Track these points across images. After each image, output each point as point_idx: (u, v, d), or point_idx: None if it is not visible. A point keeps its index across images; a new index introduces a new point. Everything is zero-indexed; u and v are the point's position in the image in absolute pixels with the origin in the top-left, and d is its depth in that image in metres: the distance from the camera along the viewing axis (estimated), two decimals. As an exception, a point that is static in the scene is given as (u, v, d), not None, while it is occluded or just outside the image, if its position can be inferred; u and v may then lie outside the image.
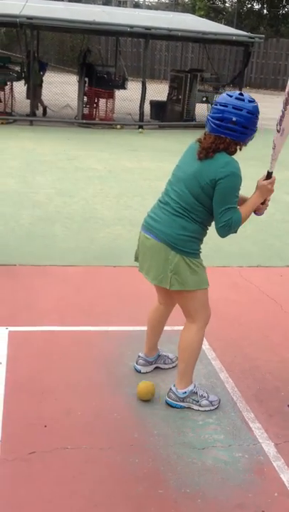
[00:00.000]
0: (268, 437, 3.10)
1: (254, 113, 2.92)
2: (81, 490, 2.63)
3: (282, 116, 2.92)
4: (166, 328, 3.68)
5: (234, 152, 3.00)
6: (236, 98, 2.91)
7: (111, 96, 14.61)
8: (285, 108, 2.88)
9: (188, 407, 3.27)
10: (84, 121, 14.29)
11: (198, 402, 3.27)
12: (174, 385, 3.30)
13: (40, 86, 14.54)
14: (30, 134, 12.45)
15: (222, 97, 2.97)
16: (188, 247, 3.06)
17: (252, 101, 2.94)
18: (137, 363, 3.63)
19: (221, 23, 26.03)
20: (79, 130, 13.74)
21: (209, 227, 3.13)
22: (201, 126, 14.75)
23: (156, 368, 3.65)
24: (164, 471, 2.79)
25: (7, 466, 2.74)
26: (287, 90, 2.86)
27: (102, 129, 14.05)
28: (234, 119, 2.89)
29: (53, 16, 13.22)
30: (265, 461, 2.92)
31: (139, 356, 3.64)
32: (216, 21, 23.62)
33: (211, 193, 2.95)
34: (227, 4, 35.44)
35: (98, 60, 18.70)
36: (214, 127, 2.95)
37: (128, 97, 15.00)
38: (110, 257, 5.54)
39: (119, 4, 35.74)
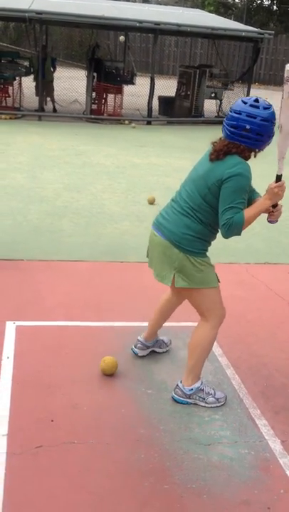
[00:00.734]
0: (274, 434, 3.10)
1: (269, 120, 2.87)
2: (87, 484, 2.65)
3: (280, 113, 2.87)
4: (172, 323, 3.68)
5: (248, 158, 2.97)
6: (251, 105, 2.86)
7: (119, 91, 14.61)
8: (282, 105, 2.84)
9: (195, 404, 3.28)
10: (92, 116, 14.28)
11: (204, 399, 3.28)
12: (181, 382, 3.31)
13: (52, 82, 14.51)
14: (39, 129, 12.45)
15: (237, 103, 2.93)
16: (193, 246, 3.06)
17: (267, 107, 2.87)
18: (135, 347, 3.72)
19: (231, 18, 25.89)
20: (87, 125, 13.73)
21: (218, 231, 3.10)
22: (210, 123, 14.76)
23: (152, 351, 3.75)
24: (169, 466, 2.80)
25: (14, 460, 2.75)
26: (284, 86, 2.80)
27: (110, 124, 14.05)
28: (248, 126, 2.85)
29: (62, 11, 13.20)
30: (271, 458, 2.92)
31: (138, 340, 3.72)
32: (225, 17, 23.56)
33: (218, 194, 2.94)
34: (237, 0, 35.33)
35: (107, 55, 18.68)
36: (229, 134, 2.93)
37: (136, 93, 14.98)
38: (117, 253, 5.54)
39: (128, -1, 35.62)
